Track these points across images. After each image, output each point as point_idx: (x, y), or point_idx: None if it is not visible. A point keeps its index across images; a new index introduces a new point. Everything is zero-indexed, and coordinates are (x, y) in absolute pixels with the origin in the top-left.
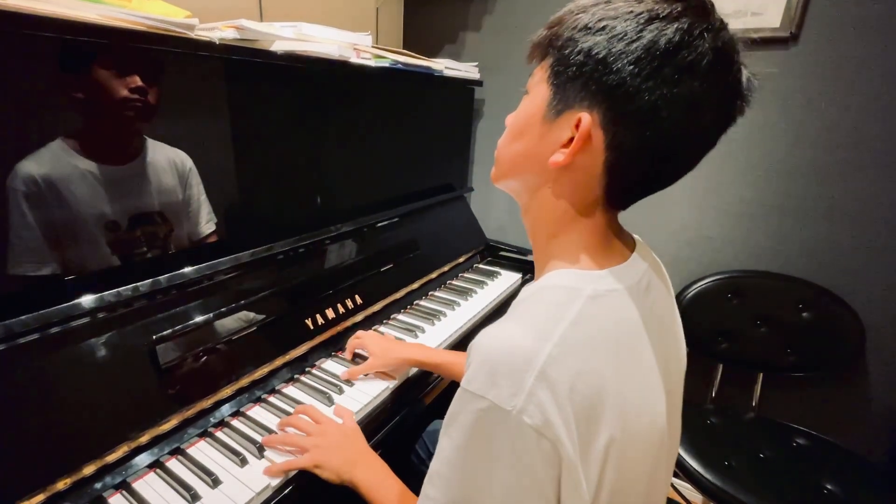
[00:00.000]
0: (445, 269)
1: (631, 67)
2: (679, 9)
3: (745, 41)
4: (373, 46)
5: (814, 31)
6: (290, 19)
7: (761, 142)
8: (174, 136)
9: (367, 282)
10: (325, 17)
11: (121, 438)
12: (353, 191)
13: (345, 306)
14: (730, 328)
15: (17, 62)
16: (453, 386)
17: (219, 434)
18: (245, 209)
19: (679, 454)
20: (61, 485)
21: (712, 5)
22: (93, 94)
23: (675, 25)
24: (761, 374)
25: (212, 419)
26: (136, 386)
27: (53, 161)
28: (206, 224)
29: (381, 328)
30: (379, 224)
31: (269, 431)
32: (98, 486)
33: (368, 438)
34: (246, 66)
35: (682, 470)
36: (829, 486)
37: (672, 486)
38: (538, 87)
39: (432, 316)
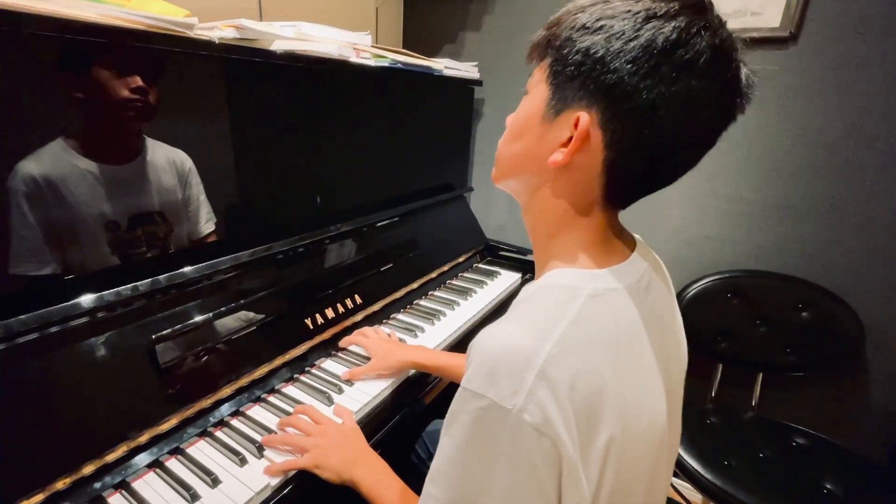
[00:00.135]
0: (445, 268)
1: (629, 66)
2: (676, 7)
3: (744, 40)
4: (372, 46)
5: (813, 31)
6: (289, 19)
7: (761, 142)
8: (174, 135)
9: (366, 281)
10: (324, 17)
11: (120, 438)
12: (352, 190)
13: (344, 306)
14: (729, 328)
15: (17, 61)
16: (453, 386)
17: (218, 434)
18: (244, 209)
19: (679, 454)
20: (61, 484)
21: (710, 3)
22: (92, 94)
23: (673, 24)
24: (761, 374)
25: (211, 419)
26: (135, 385)
27: (53, 160)
28: (206, 224)
29: (381, 328)
30: (378, 224)
31: (269, 431)
32: (97, 485)
33: (368, 438)
34: (245, 65)
35: (681, 469)
36: (828, 486)
37: (672, 485)
38: (537, 88)
39: (432, 316)
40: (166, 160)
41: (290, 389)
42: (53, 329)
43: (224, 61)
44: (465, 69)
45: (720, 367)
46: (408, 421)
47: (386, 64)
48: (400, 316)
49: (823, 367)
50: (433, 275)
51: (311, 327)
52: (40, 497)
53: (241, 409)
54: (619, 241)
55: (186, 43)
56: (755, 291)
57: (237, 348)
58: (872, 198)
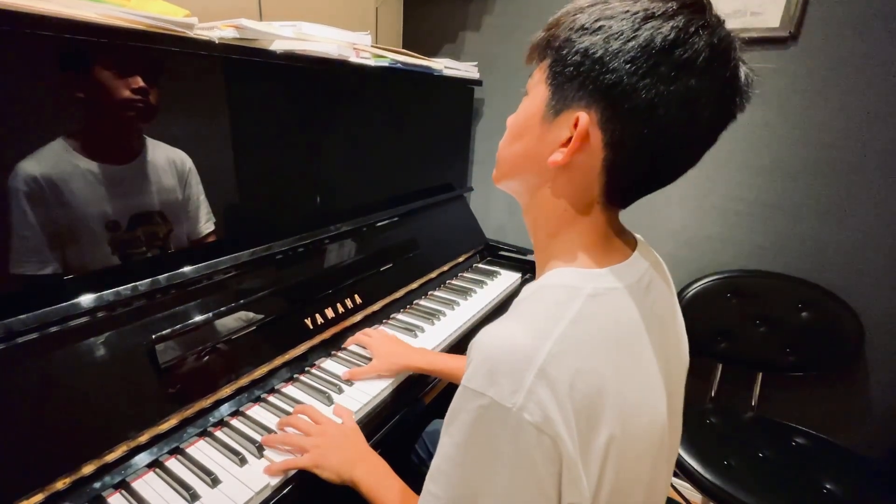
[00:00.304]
0: (445, 268)
1: (627, 66)
2: (675, 7)
3: (743, 39)
4: (372, 46)
5: (813, 31)
6: (289, 19)
7: (761, 142)
8: (173, 135)
9: (366, 281)
10: (324, 17)
11: (120, 438)
12: (352, 190)
13: (344, 306)
14: (729, 328)
15: (17, 61)
16: (453, 386)
17: (218, 433)
18: (244, 209)
19: (679, 453)
20: (60, 484)
21: (709, 3)
22: (92, 93)
23: (671, 23)
24: (761, 374)
25: (211, 419)
26: (135, 385)
27: (54, 160)
28: (206, 223)
29: (381, 328)
30: (378, 224)
31: (269, 431)
32: (97, 485)
33: (368, 438)
34: (245, 65)
35: (681, 469)
36: (828, 486)
37: (671, 485)
38: (537, 88)
39: (432, 315)
40: (166, 160)
41: (289, 389)
42: (53, 329)
43: (224, 61)
44: (464, 69)
45: (720, 366)
46: (408, 421)
47: (386, 64)
48: (400, 316)
49: (823, 367)
50: (433, 275)
51: (311, 327)
52: (40, 497)
53: (240, 408)
54: (620, 241)
55: (186, 43)
56: (755, 291)
57: (237, 348)
58: (872, 198)
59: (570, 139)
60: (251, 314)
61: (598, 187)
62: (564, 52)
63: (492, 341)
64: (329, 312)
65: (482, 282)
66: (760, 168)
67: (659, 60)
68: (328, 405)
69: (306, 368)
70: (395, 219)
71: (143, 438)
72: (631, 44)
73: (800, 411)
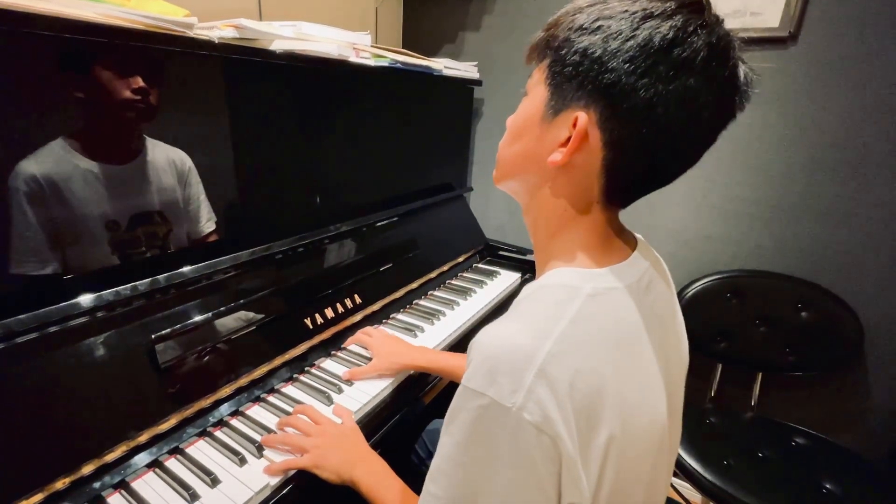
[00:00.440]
0: (445, 268)
1: (626, 65)
2: (673, 6)
3: (743, 39)
4: (372, 46)
5: (813, 31)
6: (289, 18)
7: (760, 141)
8: (173, 135)
9: (366, 281)
10: (324, 17)
11: (120, 438)
12: (352, 190)
13: (344, 306)
14: (729, 328)
15: (17, 61)
16: (453, 385)
17: (218, 433)
18: (244, 208)
19: (678, 453)
20: (60, 484)
21: (708, 2)
22: (92, 93)
23: (670, 23)
24: (760, 374)
25: (211, 418)
26: (134, 385)
27: (54, 160)
28: (206, 223)
29: (381, 328)
30: (378, 224)
31: (269, 431)
32: (97, 485)
33: (368, 438)
34: (245, 65)
35: (681, 469)
36: (827, 486)
37: (671, 485)
38: (536, 88)
39: (432, 315)
40: (166, 160)
41: (289, 389)
42: (53, 329)
43: (224, 61)
44: (464, 69)
45: (720, 366)
46: (408, 420)
47: (385, 64)
48: (400, 316)
49: (823, 367)
50: (433, 275)
51: (311, 327)
52: (40, 497)
53: (240, 408)
54: (620, 241)
55: (186, 43)
56: (755, 291)
57: (237, 348)
58: (872, 198)
59: (569, 139)
60: (251, 314)
61: (597, 187)
62: (563, 51)
63: (492, 341)
64: (329, 312)
65: (482, 282)
66: (760, 168)
67: (657, 60)
68: (328, 405)
69: (306, 368)
70: (395, 219)
71: (143, 438)
72: (629, 43)
73: (799, 411)
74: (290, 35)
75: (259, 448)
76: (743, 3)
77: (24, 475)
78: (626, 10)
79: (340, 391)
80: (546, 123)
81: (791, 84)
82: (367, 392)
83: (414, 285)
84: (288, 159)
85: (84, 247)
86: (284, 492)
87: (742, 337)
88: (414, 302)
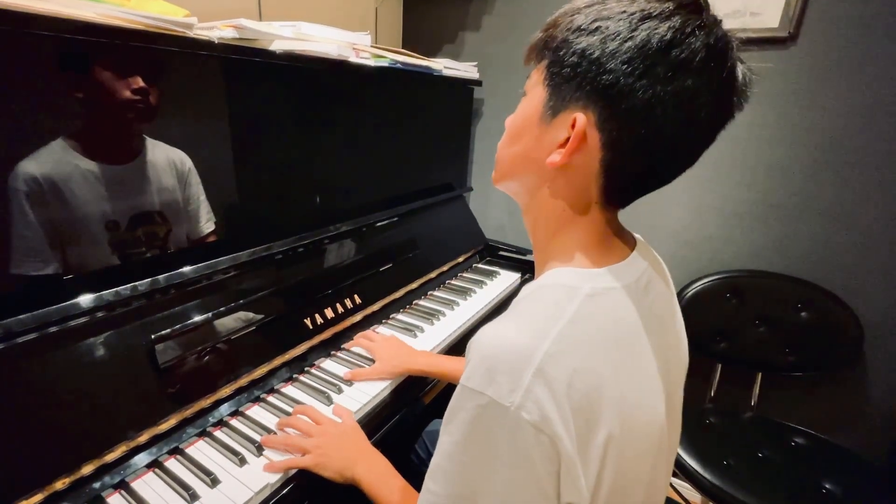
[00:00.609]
0: (444, 268)
1: (624, 66)
2: (671, 7)
3: (741, 40)
4: (372, 46)
5: (812, 32)
6: (289, 19)
7: (760, 142)
8: (173, 135)
9: (366, 281)
10: (324, 17)
11: (119, 438)
12: (352, 190)
13: (344, 306)
14: (729, 328)
15: (17, 61)
16: (453, 386)
17: (218, 434)
18: (244, 209)
19: (678, 453)
20: (60, 484)
21: (706, 3)
22: (92, 93)
23: (668, 24)
24: (760, 374)
25: (211, 419)
26: (134, 385)
27: (54, 160)
28: (206, 223)
29: (381, 328)
30: (378, 224)
31: (268, 431)
32: (97, 485)
33: (368, 438)
34: (245, 65)
35: (680, 469)
36: (827, 486)
37: (671, 485)
38: (535, 89)
39: (431, 315)
40: (166, 160)
41: (289, 389)
42: (53, 329)
43: (223, 61)
44: (464, 69)
45: (719, 367)
46: (407, 421)
47: (385, 64)
48: (399, 316)
49: (822, 367)
50: (432, 275)
51: (311, 327)
52: (39, 497)
53: (240, 408)
54: (619, 241)
55: (186, 43)
56: (754, 291)
57: (236, 348)
58: (872, 198)
59: (567, 140)
60: (251, 314)
61: (596, 188)
62: (562, 52)
63: (490, 340)
64: (329, 312)
65: (482, 282)
66: (760, 168)
67: (656, 61)
68: (328, 405)
69: (306, 368)
70: (395, 219)
71: (143, 438)
72: (628, 44)
73: (799, 411)
74: (290, 35)
75: (259, 448)
76: (742, 4)
77: (24, 475)
78: (625, 11)
79: (340, 391)
80: (545, 124)
81: (791, 84)
82: (367, 392)
83: (414, 285)
84: (288, 159)
85: (84, 247)
86: (284, 492)
87: (742, 337)
88: (414, 302)
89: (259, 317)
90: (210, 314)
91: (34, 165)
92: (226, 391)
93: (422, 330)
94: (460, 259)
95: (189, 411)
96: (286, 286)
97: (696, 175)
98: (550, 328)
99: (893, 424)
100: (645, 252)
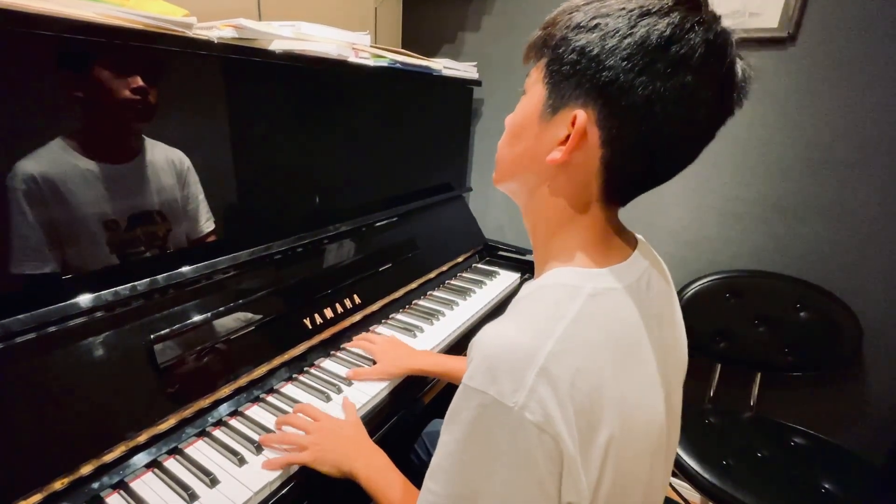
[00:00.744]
0: (444, 268)
1: (624, 63)
2: (670, 3)
3: (742, 40)
4: (371, 46)
5: (812, 32)
6: (288, 18)
7: (760, 142)
8: (172, 134)
9: (365, 281)
10: (323, 17)
11: (118, 438)
12: (351, 190)
13: (343, 306)
14: (728, 328)
15: (16, 61)
16: (452, 385)
17: (217, 433)
18: (243, 208)
19: (677, 453)
20: (59, 484)
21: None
22: (91, 93)
23: (667, 20)
24: (759, 374)
25: (210, 419)
26: (133, 385)
27: (53, 159)
28: (205, 223)
29: (380, 328)
30: (377, 224)
31: (268, 431)
32: (96, 485)
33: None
34: (244, 65)
35: (680, 469)
36: (826, 486)
37: (670, 485)
38: (534, 88)
39: (431, 315)
40: (165, 160)
41: (288, 389)
42: (52, 329)
43: (223, 61)
44: (464, 69)
45: (719, 367)
46: (407, 421)
47: (385, 64)
48: (399, 316)
49: (822, 367)
50: (432, 275)
51: (310, 327)
52: (38, 497)
53: (239, 408)
54: (620, 240)
55: (185, 42)
56: (754, 291)
57: (236, 348)
58: (871, 198)
59: (568, 137)
60: (250, 314)
61: (596, 185)
62: (561, 50)
63: (492, 340)
64: (328, 312)
65: (481, 282)
66: (759, 168)
67: (655, 57)
68: (326, 404)
69: (305, 368)
70: (395, 219)
71: (142, 438)
72: (627, 41)
73: (798, 411)
74: (290, 35)
75: (258, 448)
76: (742, 4)
77: (23, 475)
78: (623, 8)
79: (339, 391)
80: (544, 122)
81: (790, 84)
82: (367, 392)
83: (413, 285)
84: (287, 159)
85: (83, 246)
86: (284, 492)
87: (741, 337)
88: (413, 302)
89: (258, 317)
90: (209, 314)
91: (33, 164)
92: (225, 391)
93: (421, 330)
94: (460, 259)
95: (188, 411)
96: (285, 286)
97: (696, 175)
98: (553, 328)
99: (892, 424)
100: (646, 252)
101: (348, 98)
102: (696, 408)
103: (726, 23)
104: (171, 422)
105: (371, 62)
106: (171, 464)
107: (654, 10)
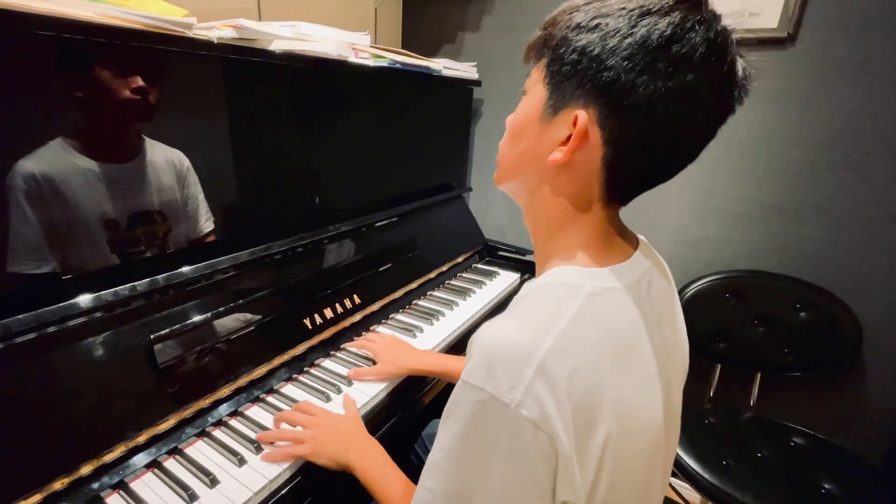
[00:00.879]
0: (444, 268)
1: (624, 63)
2: (671, 3)
3: (741, 40)
4: (371, 46)
5: (811, 32)
6: (288, 19)
7: (759, 142)
8: (172, 134)
9: (365, 281)
10: (323, 17)
11: (118, 438)
12: (351, 190)
13: (343, 306)
14: (728, 328)
15: (16, 61)
16: (452, 386)
17: (217, 434)
18: (243, 208)
19: (677, 453)
20: (58, 485)
21: None
22: (91, 93)
23: (667, 19)
24: (759, 374)
25: (210, 419)
26: (133, 385)
27: (53, 159)
28: (204, 223)
29: (380, 328)
30: (377, 224)
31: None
32: (95, 485)
33: None
34: (244, 65)
35: (679, 469)
36: (826, 486)
37: (670, 485)
38: (535, 88)
39: (431, 316)
40: (165, 160)
41: (288, 389)
42: (51, 329)
43: (223, 61)
44: (463, 69)
45: (718, 367)
46: (407, 422)
47: (385, 64)
48: (399, 316)
49: (821, 367)
50: (432, 275)
51: (310, 327)
52: (38, 497)
53: (239, 409)
54: (621, 240)
55: (185, 43)
56: (753, 292)
57: (236, 348)
58: (870, 198)
59: (569, 137)
60: (250, 314)
61: (597, 185)
62: (561, 50)
63: (492, 337)
64: (328, 312)
65: (481, 282)
66: (759, 168)
67: (656, 57)
68: (326, 404)
69: (305, 368)
70: (394, 219)
71: (142, 439)
72: (627, 41)
73: (798, 411)
74: (290, 35)
75: (258, 448)
76: (742, 4)
77: (23, 475)
78: (624, 8)
79: (339, 391)
80: (545, 122)
81: (790, 85)
82: (367, 393)
83: (413, 285)
84: (287, 159)
85: (83, 246)
86: (284, 492)
87: (741, 337)
88: (413, 302)
89: (258, 317)
90: (209, 314)
91: (33, 164)
92: (225, 391)
93: (421, 330)
94: (460, 259)
95: (188, 411)
96: (285, 286)
97: (697, 175)
98: (552, 326)
99: (892, 424)
100: (647, 252)
101: (348, 98)
102: (696, 408)
103: (726, 22)
104: (170, 422)
105: (371, 62)
106: (171, 464)
107: (654, 9)
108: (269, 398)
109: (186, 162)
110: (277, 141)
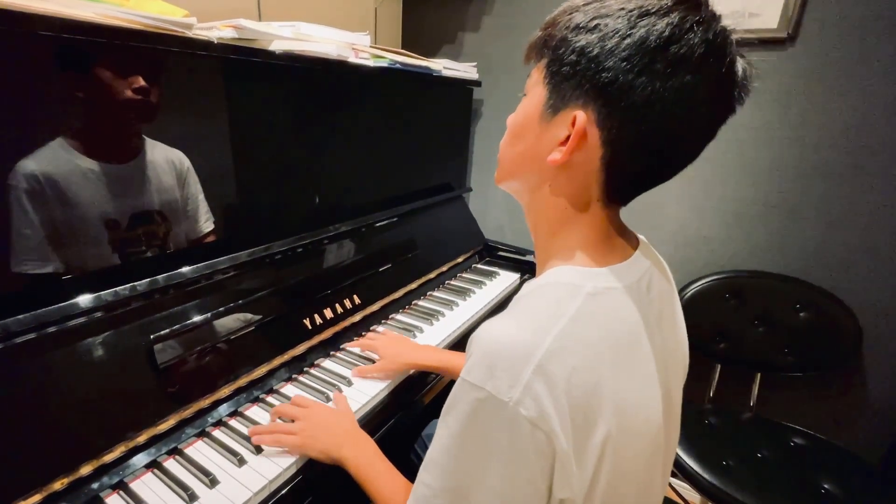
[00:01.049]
0: (444, 269)
1: (623, 64)
2: (670, 3)
3: (741, 40)
4: (371, 46)
5: (811, 33)
6: (288, 19)
7: (759, 142)
8: (173, 134)
9: (365, 282)
10: (323, 17)
11: (118, 438)
12: (351, 190)
13: (343, 306)
14: (728, 328)
15: (17, 61)
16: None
17: (216, 434)
18: (243, 209)
19: (677, 454)
20: (58, 485)
21: None
22: (92, 93)
23: (666, 20)
24: (759, 374)
25: (209, 419)
26: (133, 386)
27: (54, 159)
28: (204, 223)
29: (380, 328)
30: (377, 224)
31: None
32: (95, 486)
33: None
34: (244, 65)
35: (679, 469)
36: (826, 486)
37: (670, 485)
38: (535, 88)
39: (431, 316)
40: (165, 160)
41: (288, 389)
42: (51, 329)
43: (223, 61)
44: (463, 69)
45: (718, 367)
46: (407, 422)
47: (385, 64)
48: (399, 316)
49: (821, 367)
50: (432, 275)
51: (310, 327)
52: (38, 497)
53: (239, 409)
54: (621, 240)
55: (185, 43)
56: (753, 292)
57: (235, 348)
58: (870, 198)
59: (568, 138)
60: (250, 314)
61: (597, 185)
62: (561, 51)
63: (492, 336)
64: (328, 313)
65: (481, 282)
66: (759, 169)
67: (654, 57)
68: (326, 403)
69: (305, 368)
70: (394, 219)
71: (142, 439)
72: (626, 41)
73: (798, 411)
74: (289, 35)
75: (258, 448)
76: (741, 4)
77: (23, 475)
78: (623, 8)
79: (339, 391)
80: (545, 123)
81: (790, 85)
82: (367, 392)
83: (413, 286)
84: (287, 159)
85: (83, 246)
86: (284, 492)
87: (741, 337)
88: (413, 302)
89: (258, 317)
90: (209, 314)
91: (34, 164)
92: (225, 391)
93: (421, 330)
94: (459, 259)
95: (188, 412)
96: (285, 286)
97: (696, 175)
98: (552, 325)
99: (892, 424)
100: (647, 252)
101: (348, 98)
102: (696, 408)
103: (726, 22)
104: (170, 422)
105: (371, 62)
106: (171, 464)
107: (653, 10)
108: (269, 398)
109: (186, 162)
110: (277, 141)
